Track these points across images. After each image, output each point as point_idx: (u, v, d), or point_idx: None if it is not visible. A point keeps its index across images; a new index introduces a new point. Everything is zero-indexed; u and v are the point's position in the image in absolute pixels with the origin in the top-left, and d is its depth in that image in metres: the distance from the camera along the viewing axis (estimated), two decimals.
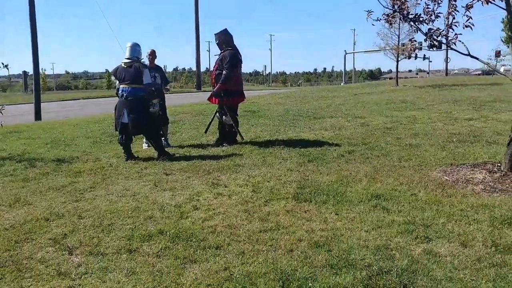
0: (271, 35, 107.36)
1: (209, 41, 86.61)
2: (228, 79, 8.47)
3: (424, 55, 44.60)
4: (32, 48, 20.13)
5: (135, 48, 7.76)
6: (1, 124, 8.74)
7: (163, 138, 9.00)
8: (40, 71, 22.96)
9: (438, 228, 4.21)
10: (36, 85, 21.05)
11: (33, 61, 20.22)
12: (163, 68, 9.65)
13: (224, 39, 8.75)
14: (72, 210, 5.07)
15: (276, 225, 4.42)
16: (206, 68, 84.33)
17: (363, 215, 4.61)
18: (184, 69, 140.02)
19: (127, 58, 7.65)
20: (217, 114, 9.04)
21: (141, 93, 7.56)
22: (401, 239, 3.99)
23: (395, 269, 3.40)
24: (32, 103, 20.33)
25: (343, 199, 5.11)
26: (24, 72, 61.01)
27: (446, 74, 55.46)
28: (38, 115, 19.46)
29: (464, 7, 5.64)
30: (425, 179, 5.84)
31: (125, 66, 7.63)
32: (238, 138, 8.96)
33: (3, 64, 8.99)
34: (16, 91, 64.45)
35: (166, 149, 8.14)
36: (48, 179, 6.58)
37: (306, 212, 4.76)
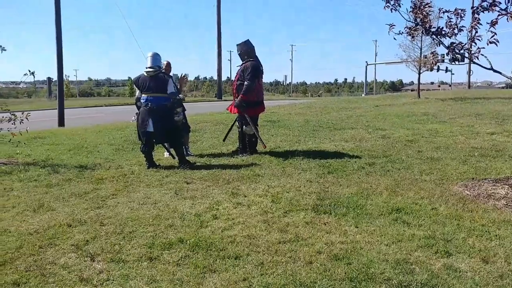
0: (292, 45, 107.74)
1: (230, 51, 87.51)
2: (249, 90, 8.54)
3: (447, 67, 44.35)
4: (57, 55, 20.40)
5: (156, 57, 7.87)
6: (26, 130, 8.92)
7: (185, 147, 9.10)
8: (64, 77, 23.30)
9: (459, 243, 4.18)
10: (60, 91, 21.34)
11: (57, 68, 20.47)
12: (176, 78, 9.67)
13: (246, 50, 8.82)
14: (94, 216, 5.15)
15: (295, 236, 4.43)
16: (227, 77, 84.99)
17: (383, 228, 4.60)
18: (205, 78, 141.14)
19: (150, 67, 7.75)
20: (237, 124, 9.10)
21: (165, 102, 7.69)
22: (421, 253, 3.97)
23: (415, 283, 3.39)
24: (56, 109, 20.63)
25: (363, 212, 5.10)
26: (49, 78, 62.13)
27: (469, 87, 54.87)
28: (61, 121, 19.75)
29: (489, 23, 5.60)
30: (446, 193, 5.80)
31: (148, 76, 7.74)
32: (260, 146, 8.98)
33: (29, 71, 9.19)
34: (40, 97, 65.67)
35: (186, 157, 8.22)
36: (71, 185, 6.69)
37: (325, 224, 4.76)
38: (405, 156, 8.28)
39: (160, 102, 7.68)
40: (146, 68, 7.78)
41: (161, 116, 7.68)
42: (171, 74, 9.06)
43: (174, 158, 8.09)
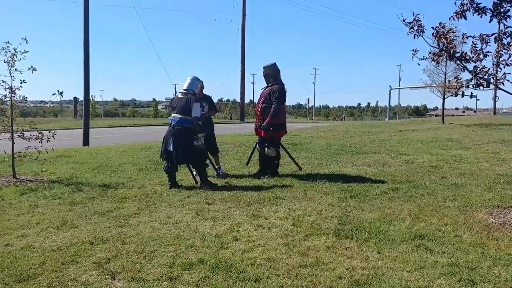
0: (315, 69, 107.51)
1: (253, 74, 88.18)
2: (277, 113, 8.57)
3: (471, 93, 43.68)
4: (84, 76, 20.73)
5: (194, 82, 8.13)
6: (52, 148, 9.10)
7: (216, 167, 9.15)
8: (90, 97, 23.70)
9: (484, 272, 4.10)
10: (86, 111, 21.71)
11: (84, 88, 20.78)
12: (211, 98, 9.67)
13: (272, 73, 8.86)
14: (116, 235, 5.20)
15: (316, 260, 4.39)
16: (250, 100, 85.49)
17: (405, 254, 4.53)
18: (228, 100, 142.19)
19: (184, 89, 7.98)
20: (257, 146, 9.12)
21: (187, 124, 7.79)
22: (444, 281, 3.90)
23: None
24: (81, 128, 20.95)
25: (386, 238, 5.04)
26: (75, 98, 63.54)
27: (494, 113, 54.12)
28: (86, 141, 20.03)
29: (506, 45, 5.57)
30: (470, 220, 5.70)
31: (180, 97, 7.94)
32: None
33: (58, 91, 9.63)
34: (66, 116, 66.99)
35: (214, 178, 8.29)
36: (94, 203, 6.77)
37: (347, 249, 4.72)
38: (429, 182, 8.18)
39: (183, 124, 7.79)
40: (182, 89, 8.02)
41: (181, 137, 7.79)
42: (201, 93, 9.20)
43: (197, 183, 8.10)
